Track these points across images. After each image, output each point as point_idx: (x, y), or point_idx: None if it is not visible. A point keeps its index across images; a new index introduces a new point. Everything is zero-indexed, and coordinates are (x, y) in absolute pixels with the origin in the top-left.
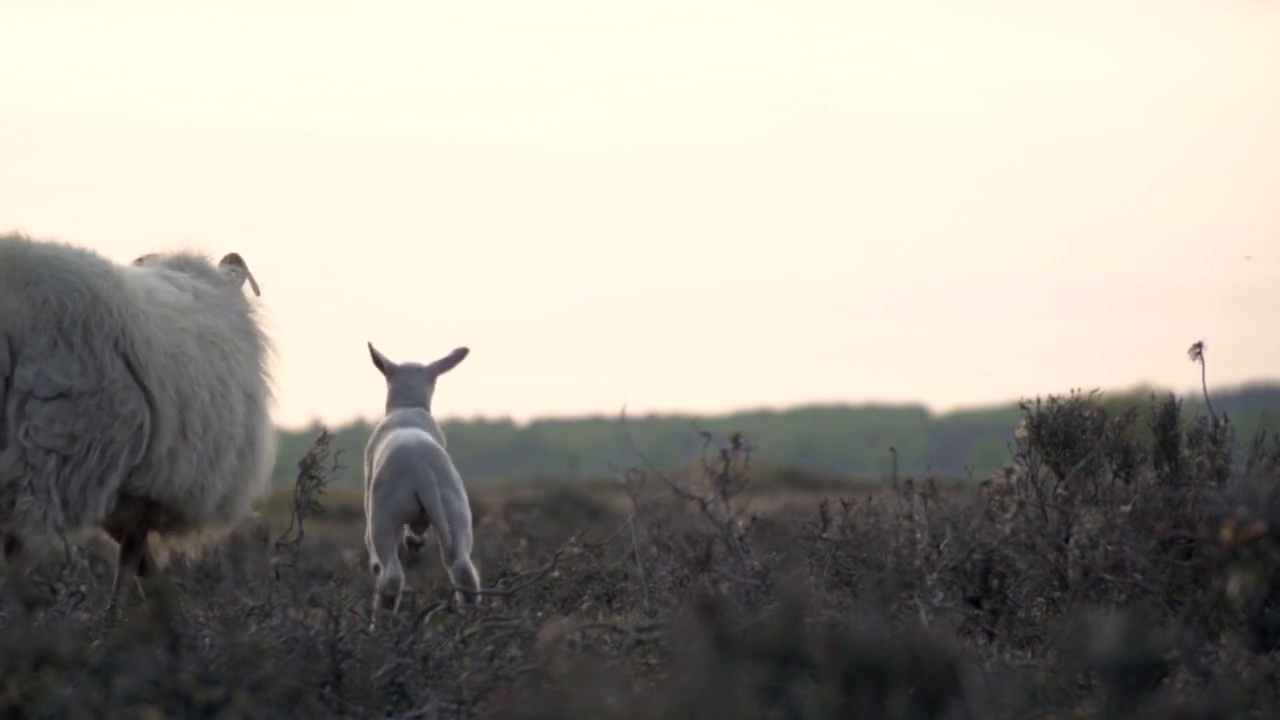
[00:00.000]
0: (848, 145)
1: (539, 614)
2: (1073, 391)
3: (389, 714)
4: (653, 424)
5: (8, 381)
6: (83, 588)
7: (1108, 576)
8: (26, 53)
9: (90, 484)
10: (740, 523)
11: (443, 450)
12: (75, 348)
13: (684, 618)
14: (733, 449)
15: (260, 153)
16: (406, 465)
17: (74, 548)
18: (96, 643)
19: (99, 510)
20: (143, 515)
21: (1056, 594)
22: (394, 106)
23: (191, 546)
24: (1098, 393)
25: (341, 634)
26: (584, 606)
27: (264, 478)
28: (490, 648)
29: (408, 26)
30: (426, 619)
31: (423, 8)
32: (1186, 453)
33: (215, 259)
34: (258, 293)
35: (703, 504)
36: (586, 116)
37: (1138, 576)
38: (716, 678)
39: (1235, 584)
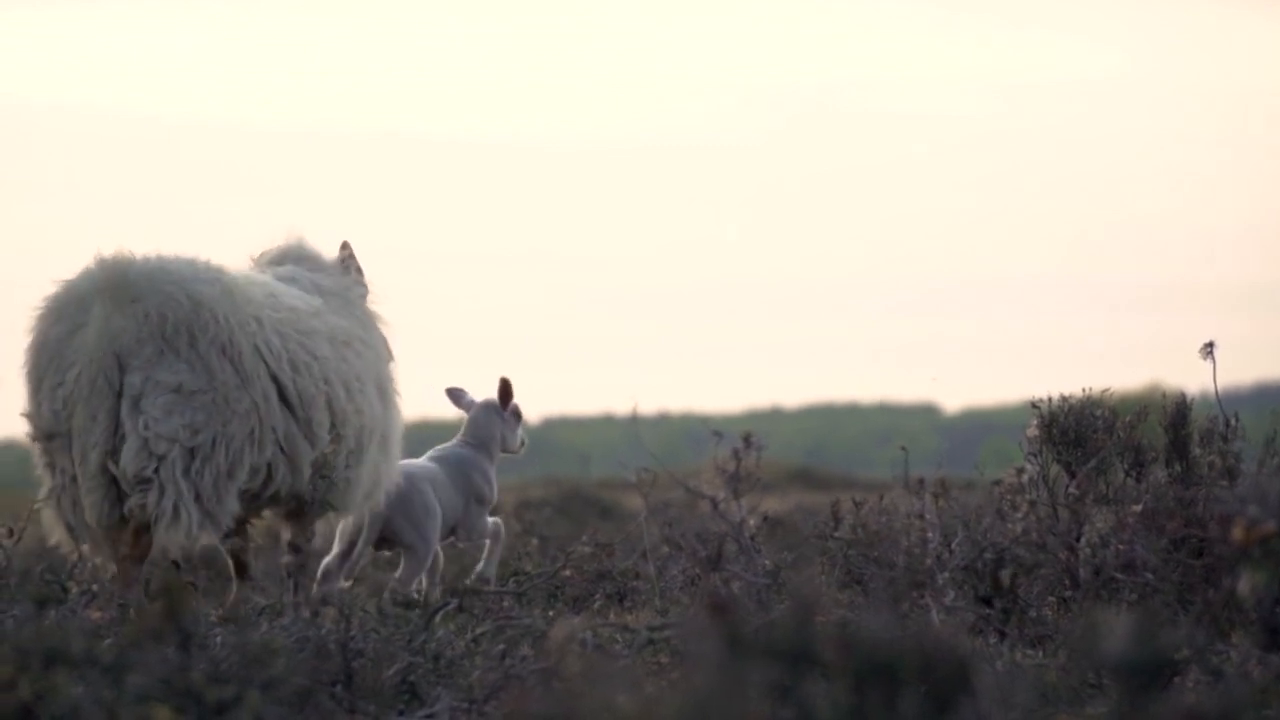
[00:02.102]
0: (857, 144)
1: (550, 613)
2: (1084, 391)
3: (400, 713)
4: (664, 423)
5: (119, 396)
6: (94, 586)
7: (1119, 575)
8: (26, 51)
9: (221, 479)
10: (751, 522)
11: (425, 493)
12: (181, 353)
13: (695, 617)
14: (744, 448)
15: (260, 153)
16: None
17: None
18: (108, 641)
19: (233, 506)
20: (297, 520)
21: (1068, 593)
22: (397, 106)
23: (303, 535)
24: (1109, 392)
25: (353, 633)
26: (595, 605)
27: (396, 467)
28: (502, 647)
29: (409, 26)
30: (438, 618)
31: (424, 7)
32: (1198, 452)
33: (323, 250)
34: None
35: (714, 503)
36: (592, 117)
37: (1149, 576)
38: (728, 677)
39: (1246, 583)
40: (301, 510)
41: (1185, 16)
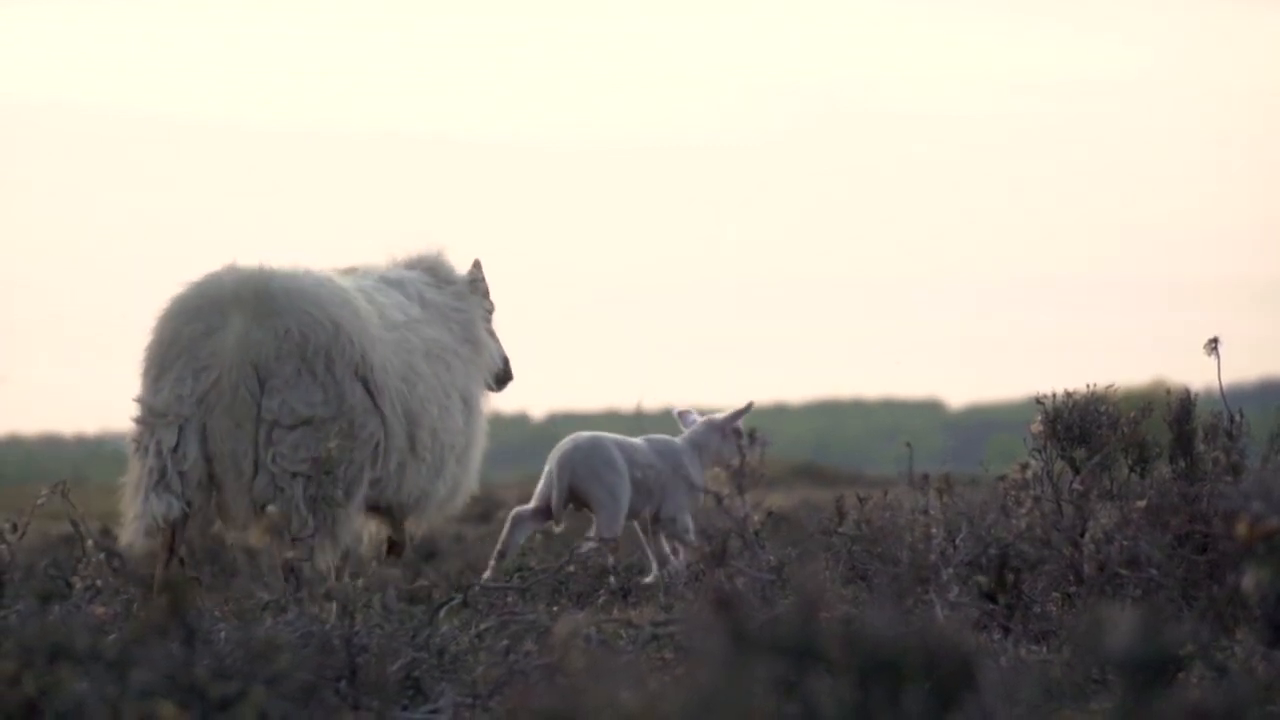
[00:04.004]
0: (861, 143)
1: (554, 609)
2: (1088, 387)
3: (404, 708)
4: (669, 419)
5: (258, 409)
6: (98, 582)
7: (1123, 572)
8: (25, 49)
9: (339, 501)
10: (756, 517)
11: (611, 451)
12: (318, 376)
13: (699, 612)
14: (748, 444)
15: (261, 152)
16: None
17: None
18: (112, 637)
19: (354, 526)
20: (389, 520)
21: (1072, 589)
22: (398, 106)
23: (401, 535)
24: (1113, 388)
25: (357, 628)
26: (599, 601)
27: (477, 475)
28: (506, 642)
29: (410, 25)
30: (442, 613)
31: (426, 7)
32: (1202, 448)
33: (449, 259)
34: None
35: (718, 499)
36: (593, 116)
37: (1153, 572)
38: (732, 672)
39: (1250, 579)
40: (386, 514)
41: (1208, 13)
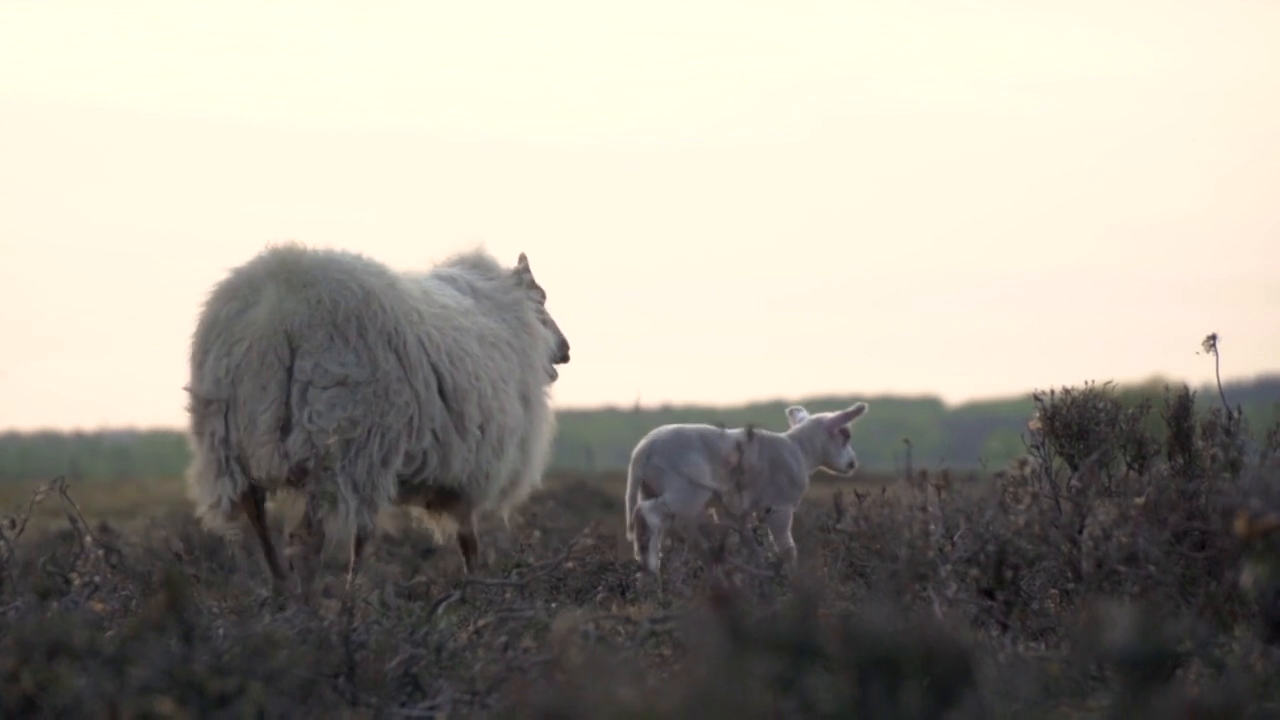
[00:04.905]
0: (862, 140)
1: (553, 605)
2: (1087, 383)
3: (402, 705)
4: (667, 416)
5: (290, 374)
6: (96, 578)
7: (1121, 568)
8: (25, 47)
9: (375, 467)
10: (754, 514)
11: (685, 441)
12: (350, 341)
13: (698, 609)
14: (747, 440)
15: (261, 152)
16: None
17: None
18: (110, 633)
19: (389, 491)
20: (455, 508)
21: (1070, 586)
22: (399, 105)
23: (466, 525)
24: (1112, 385)
25: (355, 625)
26: (598, 598)
27: (540, 467)
28: (504, 639)
29: (410, 25)
30: (440, 610)
31: (427, 6)
32: (1200, 445)
33: (489, 253)
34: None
35: (717, 495)
36: (594, 116)
37: (1151, 568)
38: (730, 669)
39: (1248, 576)
40: (447, 500)
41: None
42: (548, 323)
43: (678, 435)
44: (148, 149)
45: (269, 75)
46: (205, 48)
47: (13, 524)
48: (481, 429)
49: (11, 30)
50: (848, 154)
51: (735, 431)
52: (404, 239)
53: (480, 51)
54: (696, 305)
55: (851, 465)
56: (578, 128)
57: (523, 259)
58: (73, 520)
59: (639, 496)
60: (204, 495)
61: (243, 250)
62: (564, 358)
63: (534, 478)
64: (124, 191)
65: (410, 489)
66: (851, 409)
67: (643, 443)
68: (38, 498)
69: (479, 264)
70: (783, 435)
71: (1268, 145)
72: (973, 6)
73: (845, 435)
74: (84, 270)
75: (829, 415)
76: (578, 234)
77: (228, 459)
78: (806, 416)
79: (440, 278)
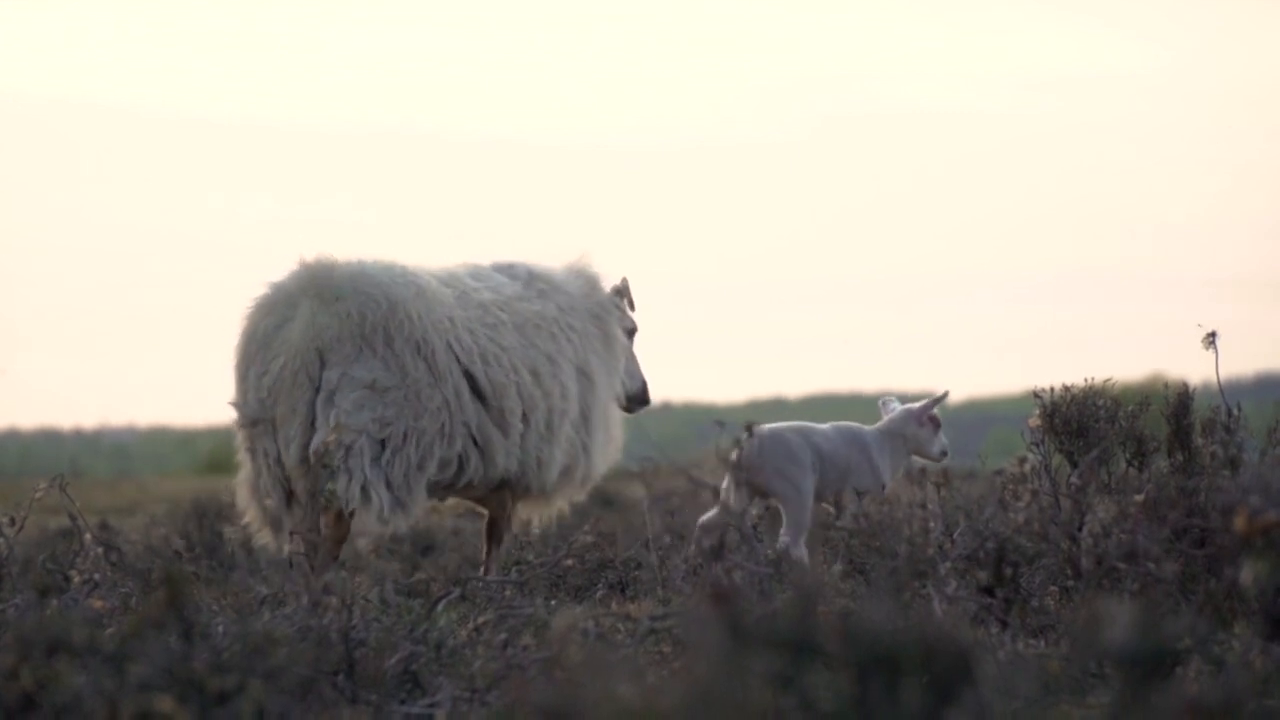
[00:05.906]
0: (862, 139)
1: (552, 602)
2: (1086, 381)
3: (402, 702)
4: (667, 413)
5: (317, 388)
6: (96, 575)
7: (1121, 565)
8: (25, 46)
9: (411, 470)
10: (754, 511)
11: (790, 443)
12: (378, 351)
13: (697, 606)
14: (747, 437)
15: (261, 150)
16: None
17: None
18: (110, 630)
19: (423, 496)
20: (497, 496)
21: (1070, 583)
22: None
23: (545, 513)
24: (1111, 382)
25: (354, 622)
26: (597, 595)
27: (609, 447)
28: (504, 636)
29: (412, 25)
30: (440, 607)
31: (430, 6)
32: (1200, 442)
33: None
34: (631, 302)
35: (716, 492)
36: (594, 115)
37: (1151, 566)
38: (729, 666)
39: (1248, 573)
40: (501, 492)
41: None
42: (631, 358)
43: (777, 439)
44: (148, 147)
45: (269, 73)
46: (205, 45)
47: (12, 521)
48: (525, 418)
49: (10, 28)
50: (848, 153)
51: (828, 426)
52: (404, 238)
53: (480, 50)
54: (696, 302)
55: (944, 453)
56: (578, 127)
57: (624, 281)
58: (73, 518)
59: (734, 494)
60: (256, 513)
61: (243, 250)
62: (642, 400)
63: (608, 457)
64: (124, 190)
65: (456, 490)
66: (937, 395)
67: (744, 445)
68: (37, 495)
69: (580, 272)
70: (867, 428)
71: (1268, 145)
72: (972, 6)
73: (935, 423)
74: (84, 268)
75: (916, 404)
76: (578, 233)
77: (280, 478)
78: (898, 406)
79: (498, 269)
